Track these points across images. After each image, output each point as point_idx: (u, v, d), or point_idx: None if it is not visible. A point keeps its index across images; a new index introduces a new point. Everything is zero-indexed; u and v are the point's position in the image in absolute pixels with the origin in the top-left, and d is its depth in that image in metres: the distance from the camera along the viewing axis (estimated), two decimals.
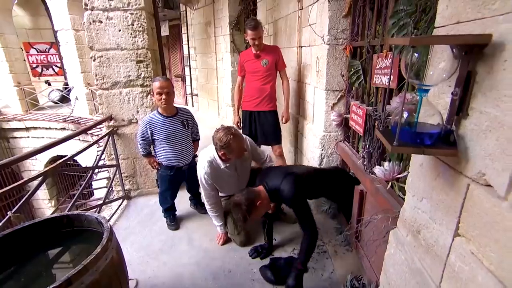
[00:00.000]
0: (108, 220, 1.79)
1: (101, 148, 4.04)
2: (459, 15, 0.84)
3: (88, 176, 2.80)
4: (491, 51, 0.71)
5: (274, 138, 3.13)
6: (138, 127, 2.61)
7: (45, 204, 7.29)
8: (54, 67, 8.61)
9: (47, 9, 7.75)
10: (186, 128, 2.58)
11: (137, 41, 2.85)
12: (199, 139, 2.83)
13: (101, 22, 2.77)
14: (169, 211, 2.77)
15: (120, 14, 2.76)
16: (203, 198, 2.45)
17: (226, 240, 2.49)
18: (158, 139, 2.49)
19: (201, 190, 2.43)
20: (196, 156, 2.82)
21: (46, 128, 6.55)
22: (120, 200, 3.14)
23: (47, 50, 8.45)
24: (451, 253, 0.88)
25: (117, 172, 3.05)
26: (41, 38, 8.42)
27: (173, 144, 2.51)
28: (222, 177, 2.39)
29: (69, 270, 1.19)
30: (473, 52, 0.76)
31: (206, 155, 2.36)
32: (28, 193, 2.04)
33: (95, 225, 1.61)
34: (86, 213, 1.65)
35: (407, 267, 1.12)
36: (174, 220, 2.76)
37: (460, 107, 0.82)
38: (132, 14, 2.77)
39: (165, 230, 2.71)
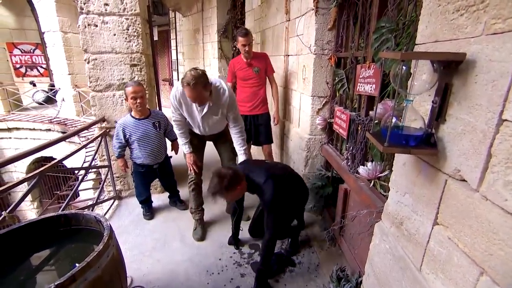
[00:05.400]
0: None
1: (89, 150, 4.05)
2: (437, 35, 0.97)
3: (82, 177, 2.80)
4: (465, 67, 0.85)
5: (267, 138, 3.30)
6: (114, 131, 2.72)
7: (27, 206, 7.09)
8: (39, 68, 8.44)
9: (33, 10, 7.62)
10: (158, 129, 2.70)
11: (132, 46, 2.91)
12: (176, 139, 2.88)
13: (96, 26, 2.80)
14: (145, 203, 2.94)
15: (115, 19, 2.81)
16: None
17: (198, 167, 2.56)
18: (131, 140, 2.63)
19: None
20: (170, 156, 3.00)
21: (30, 129, 6.40)
22: (112, 200, 3.16)
23: (32, 50, 8.28)
24: (431, 240, 1.01)
25: (109, 173, 3.07)
26: (25, 38, 8.25)
27: (145, 145, 2.64)
28: (188, 107, 2.32)
29: (67, 269, 1.21)
30: (451, 67, 0.89)
31: None
32: (23, 194, 2.06)
33: (93, 224, 1.63)
34: (84, 212, 1.66)
35: (391, 255, 1.25)
36: (149, 211, 2.97)
37: (439, 113, 0.95)
38: (127, 19, 2.83)
39: (158, 228, 2.77)
